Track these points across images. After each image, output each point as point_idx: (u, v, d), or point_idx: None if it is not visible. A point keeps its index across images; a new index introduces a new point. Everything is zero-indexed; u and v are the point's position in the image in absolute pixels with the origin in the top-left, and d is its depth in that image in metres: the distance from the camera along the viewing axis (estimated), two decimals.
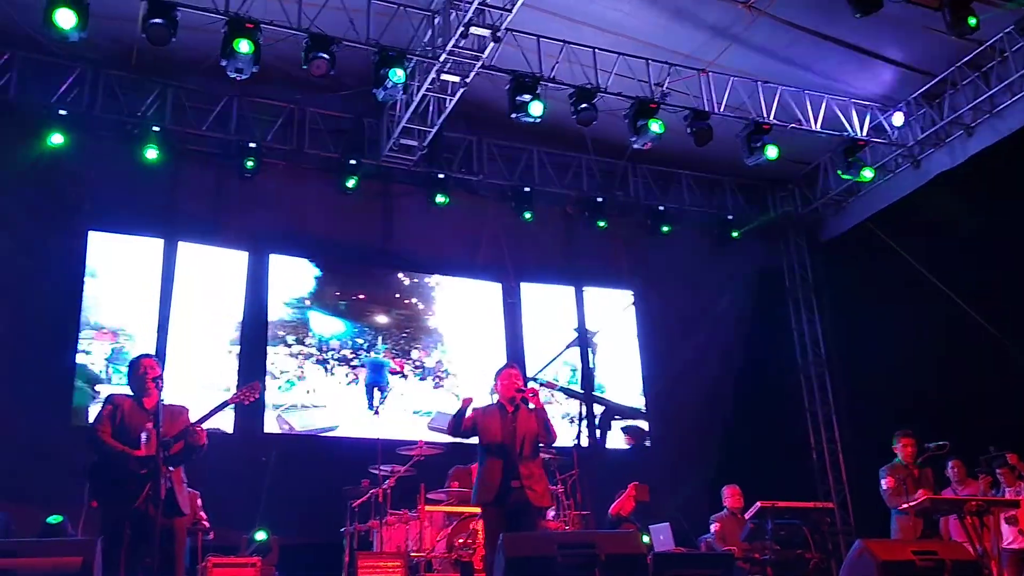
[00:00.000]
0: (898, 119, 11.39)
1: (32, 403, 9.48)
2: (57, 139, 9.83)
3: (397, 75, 8.96)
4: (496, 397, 6.48)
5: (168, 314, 10.35)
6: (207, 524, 7.93)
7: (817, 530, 8.32)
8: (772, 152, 10.63)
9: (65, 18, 7.81)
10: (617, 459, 11.74)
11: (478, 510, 7.68)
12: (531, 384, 6.43)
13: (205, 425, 5.30)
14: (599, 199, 12.37)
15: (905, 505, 7.30)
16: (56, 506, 8.25)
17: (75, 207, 10.18)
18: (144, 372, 5.41)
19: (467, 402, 6.32)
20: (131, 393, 5.45)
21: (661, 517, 9.41)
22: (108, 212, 10.32)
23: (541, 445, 6.36)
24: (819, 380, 13.31)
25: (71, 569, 3.91)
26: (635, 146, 10.40)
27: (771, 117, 10.73)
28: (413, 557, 7.70)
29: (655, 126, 10.03)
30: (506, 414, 6.22)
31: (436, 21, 9.41)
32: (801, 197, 13.48)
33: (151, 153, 10.14)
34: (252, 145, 10.64)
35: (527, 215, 12.02)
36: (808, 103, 10.99)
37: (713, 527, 8.87)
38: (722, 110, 10.55)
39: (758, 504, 8.30)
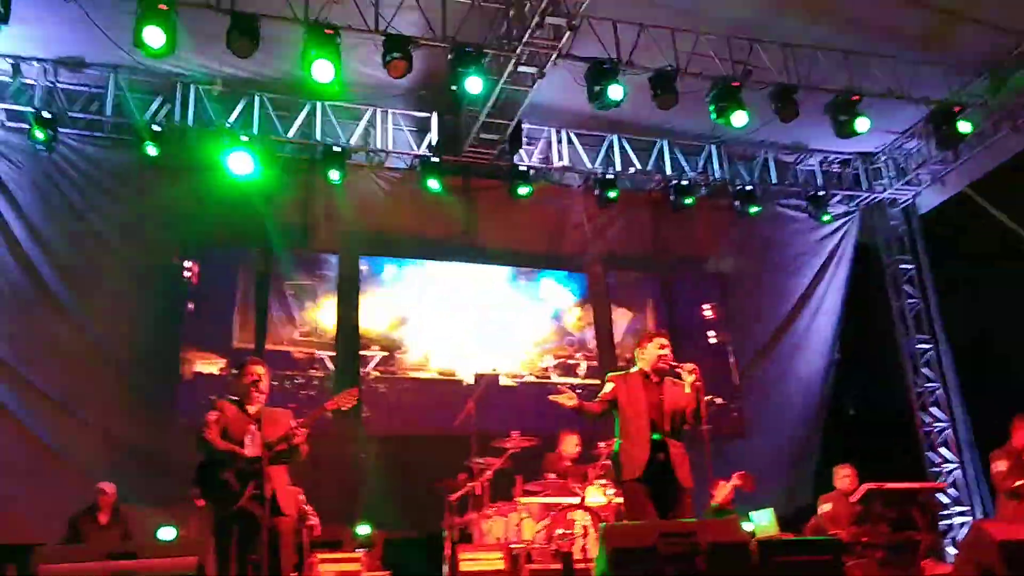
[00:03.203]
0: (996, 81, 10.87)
1: (143, 410, 9.91)
2: (152, 151, 10.16)
3: (475, 86, 9.09)
4: (644, 365, 5.90)
5: (266, 321, 10.63)
6: (315, 520, 8.09)
7: (928, 511, 8.04)
8: (863, 125, 10.30)
9: (154, 36, 8.08)
10: (715, 444, 11.54)
11: (576, 500, 7.70)
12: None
13: (305, 428, 5.42)
14: (684, 182, 12.19)
15: (1019, 483, 7.02)
16: (167, 509, 8.59)
17: (173, 218, 10.53)
18: (250, 380, 5.52)
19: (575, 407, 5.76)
20: (236, 398, 5.59)
21: (764, 502, 9.25)
22: (203, 224, 10.64)
23: (688, 425, 5.86)
24: (924, 358, 12.86)
25: (187, 569, 4.05)
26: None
27: (861, 88, 10.40)
28: (513, 549, 7.72)
29: (739, 119, 9.84)
30: (651, 384, 5.79)
31: (511, 13, 9.40)
32: (896, 168, 13.02)
33: (241, 162, 10.42)
34: (336, 149, 10.82)
35: (611, 201, 11.91)
36: (899, 71, 10.60)
37: (824, 508, 8.63)
38: (808, 83, 10.27)
39: (865, 487, 8.07)
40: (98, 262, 10.24)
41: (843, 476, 8.74)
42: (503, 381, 11.39)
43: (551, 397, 5.76)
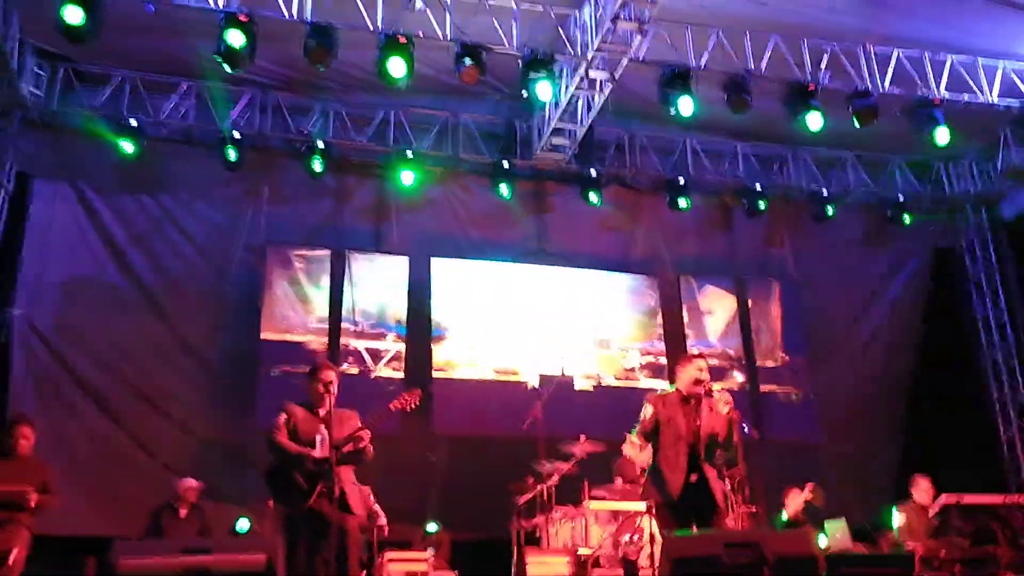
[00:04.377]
0: None
1: (222, 407, 10.22)
2: (232, 155, 10.49)
3: (546, 92, 9.16)
4: (681, 386, 5.87)
5: (339, 321, 10.84)
6: (383, 519, 8.23)
7: (1009, 525, 7.79)
8: (943, 137, 10.01)
9: (235, 38, 8.38)
10: (786, 452, 11.38)
11: (643, 506, 7.66)
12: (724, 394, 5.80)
13: (370, 428, 5.54)
14: (758, 186, 12.02)
15: None
16: (245, 506, 8.84)
17: (253, 221, 10.85)
18: (322, 384, 5.58)
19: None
20: (305, 401, 5.70)
21: (839, 512, 9.08)
22: (281, 226, 10.92)
23: (720, 450, 5.87)
24: (1007, 366, 12.40)
25: (257, 565, 4.19)
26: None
27: (941, 90, 10.12)
28: (580, 554, 7.73)
29: (815, 122, 9.69)
30: (688, 407, 5.77)
31: (582, 19, 9.42)
32: (979, 172, 12.61)
33: (317, 166, 10.67)
34: (409, 154, 10.99)
35: (683, 207, 11.82)
36: (982, 72, 10.29)
37: (899, 518, 8.43)
38: (886, 86, 10.04)
39: (943, 499, 7.87)
40: (180, 263, 10.62)
41: (921, 488, 8.50)
42: (579, 385, 11.37)
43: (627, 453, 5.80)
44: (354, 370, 10.66)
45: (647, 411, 5.80)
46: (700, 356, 6.07)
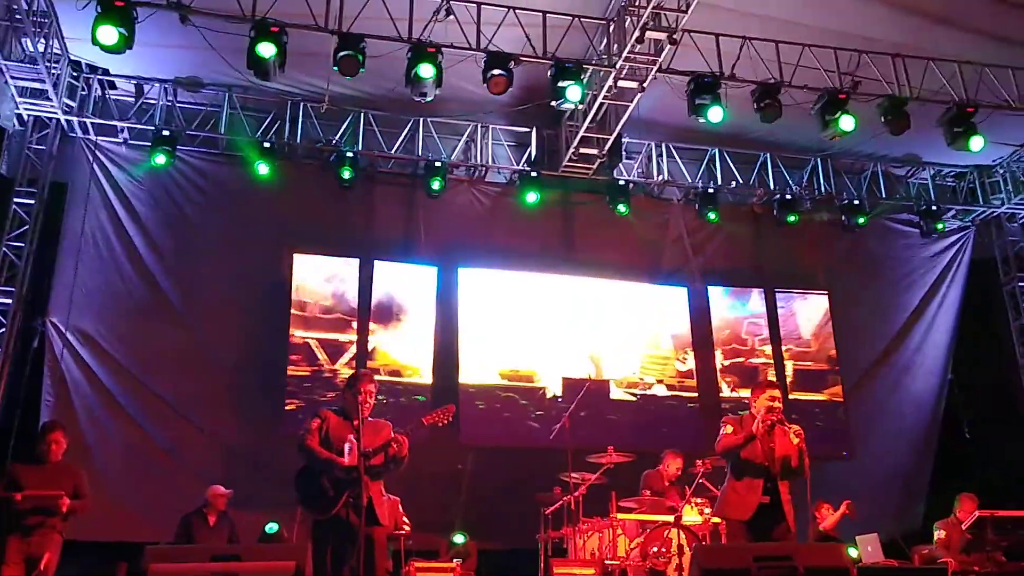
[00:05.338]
0: None
1: (249, 415, 10.27)
2: (263, 169, 10.61)
3: (575, 94, 9.13)
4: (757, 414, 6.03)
5: (367, 330, 10.87)
6: (408, 528, 8.22)
7: None
8: (977, 144, 9.92)
9: (266, 49, 8.47)
10: (822, 465, 11.23)
11: (671, 518, 7.61)
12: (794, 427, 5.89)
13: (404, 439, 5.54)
14: (787, 196, 11.94)
15: None
16: (272, 512, 8.87)
17: (281, 230, 10.92)
18: (360, 395, 5.53)
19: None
20: (340, 407, 5.70)
21: (871, 526, 8.97)
22: (309, 234, 10.99)
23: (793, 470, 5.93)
24: None
25: (285, 572, 4.20)
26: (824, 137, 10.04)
27: (976, 99, 10.00)
28: (607, 565, 7.68)
29: (847, 123, 9.60)
30: (762, 432, 5.93)
31: (611, 29, 9.42)
32: (1014, 182, 12.44)
33: (346, 175, 10.74)
34: (437, 164, 11.03)
35: (712, 217, 11.77)
36: (1016, 81, 10.16)
37: (937, 534, 8.35)
38: (919, 95, 9.94)
39: (976, 514, 7.76)
40: (210, 271, 10.69)
41: (965, 508, 8.36)
42: (616, 393, 11.32)
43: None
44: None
45: (727, 431, 6.02)
46: (773, 386, 6.25)
